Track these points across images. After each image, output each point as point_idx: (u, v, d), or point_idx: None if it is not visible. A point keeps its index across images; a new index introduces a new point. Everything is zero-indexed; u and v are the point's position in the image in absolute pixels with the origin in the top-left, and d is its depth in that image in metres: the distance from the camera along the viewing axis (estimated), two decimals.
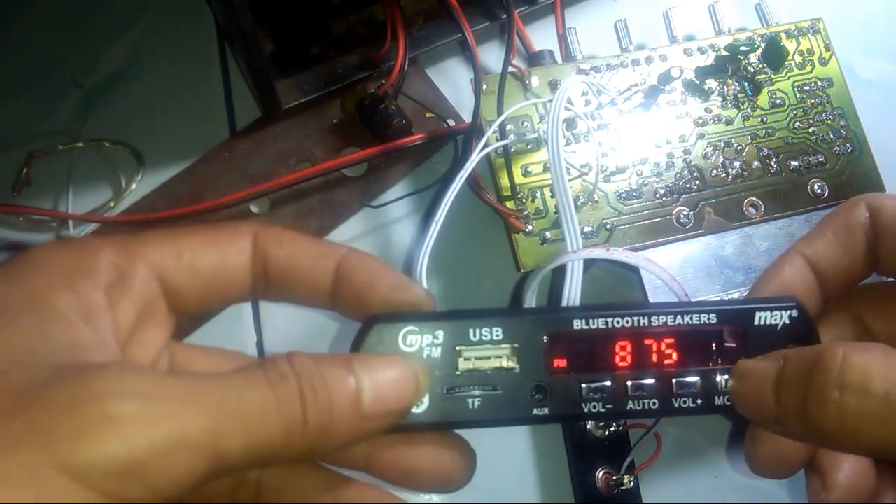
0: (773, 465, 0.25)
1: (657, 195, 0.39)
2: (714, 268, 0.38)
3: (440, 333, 0.24)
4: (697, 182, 0.39)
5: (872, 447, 0.21)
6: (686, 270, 0.38)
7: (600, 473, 0.36)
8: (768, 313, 0.24)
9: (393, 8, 0.40)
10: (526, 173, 0.38)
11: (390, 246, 0.41)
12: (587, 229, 0.38)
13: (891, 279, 0.27)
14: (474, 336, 0.24)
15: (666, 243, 0.38)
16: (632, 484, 0.35)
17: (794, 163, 0.40)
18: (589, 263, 0.39)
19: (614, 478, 0.35)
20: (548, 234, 0.37)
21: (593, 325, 0.24)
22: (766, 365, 0.23)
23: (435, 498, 0.37)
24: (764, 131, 0.41)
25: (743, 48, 0.42)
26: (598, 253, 0.30)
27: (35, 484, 0.16)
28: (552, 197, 0.38)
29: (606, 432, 0.36)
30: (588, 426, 0.36)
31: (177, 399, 0.18)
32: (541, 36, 0.44)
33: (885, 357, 0.21)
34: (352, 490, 0.23)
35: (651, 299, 0.35)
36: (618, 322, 0.24)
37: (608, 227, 0.38)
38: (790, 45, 0.43)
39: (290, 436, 0.19)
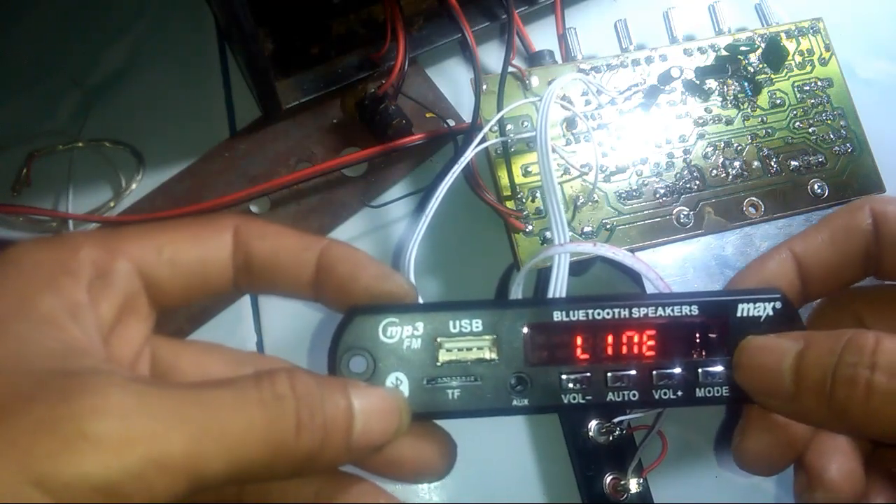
0: (761, 461, 0.25)
1: (657, 195, 0.39)
2: (714, 268, 0.38)
3: (420, 325, 0.24)
4: (697, 182, 0.39)
5: (893, 430, 0.21)
6: (686, 270, 0.38)
7: (608, 479, 0.35)
8: (751, 305, 0.24)
9: (393, 8, 0.40)
10: (526, 173, 0.38)
11: (390, 246, 0.41)
12: (587, 229, 0.38)
13: (893, 283, 0.27)
14: (454, 328, 0.24)
15: (666, 243, 0.38)
16: (641, 487, 0.35)
17: (794, 163, 0.40)
18: (589, 263, 0.39)
19: (622, 482, 0.35)
20: (548, 234, 0.37)
21: (573, 316, 0.24)
22: (783, 342, 0.23)
23: (435, 498, 0.37)
24: (764, 131, 0.41)
25: (743, 48, 0.42)
26: (584, 247, 0.30)
27: (9, 498, 0.16)
28: None
29: (610, 437, 0.36)
30: (591, 432, 0.36)
31: (159, 419, 0.17)
32: (541, 36, 0.44)
33: None
34: (343, 487, 0.23)
35: None
36: (598, 314, 0.24)
37: (608, 226, 0.38)
38: (790, 45, 0.43)
39: (275, 458, 0.19)
